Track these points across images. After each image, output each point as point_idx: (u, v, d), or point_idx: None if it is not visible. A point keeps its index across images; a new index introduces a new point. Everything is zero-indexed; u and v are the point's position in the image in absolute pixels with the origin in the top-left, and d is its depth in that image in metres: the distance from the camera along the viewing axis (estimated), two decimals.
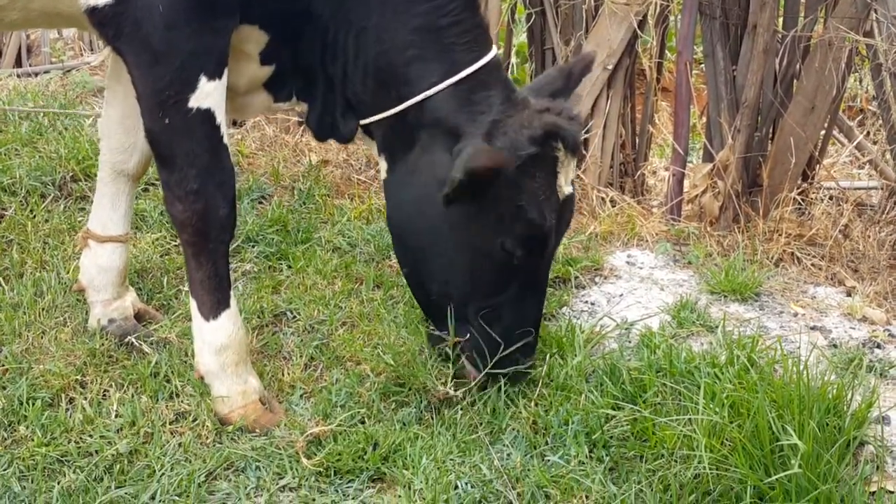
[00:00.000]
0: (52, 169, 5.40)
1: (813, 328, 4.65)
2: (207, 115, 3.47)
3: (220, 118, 3.51)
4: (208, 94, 3.45)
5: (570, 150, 3.65)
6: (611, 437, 3.64)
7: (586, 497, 3.37)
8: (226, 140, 3.56)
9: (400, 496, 3.32)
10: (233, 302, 3.70)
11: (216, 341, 3.67)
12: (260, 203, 5.57)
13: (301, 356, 4.14)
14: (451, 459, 3.53)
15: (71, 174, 5.41)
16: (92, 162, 5.42)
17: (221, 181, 3.55)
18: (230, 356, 3.69)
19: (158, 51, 3.39)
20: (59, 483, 3.27)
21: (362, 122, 3.82)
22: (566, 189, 3.70)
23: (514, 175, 3.55)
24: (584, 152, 3.79)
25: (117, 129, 4.06)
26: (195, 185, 3.48)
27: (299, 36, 3.68)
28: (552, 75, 4.05)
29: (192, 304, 3.69)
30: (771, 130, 6.06)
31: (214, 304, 3.66)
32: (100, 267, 4.16)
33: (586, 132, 6.28)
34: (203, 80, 3.42)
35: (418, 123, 3.70)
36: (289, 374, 4.03)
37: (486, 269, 3.72)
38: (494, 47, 3.82)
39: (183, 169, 3.48)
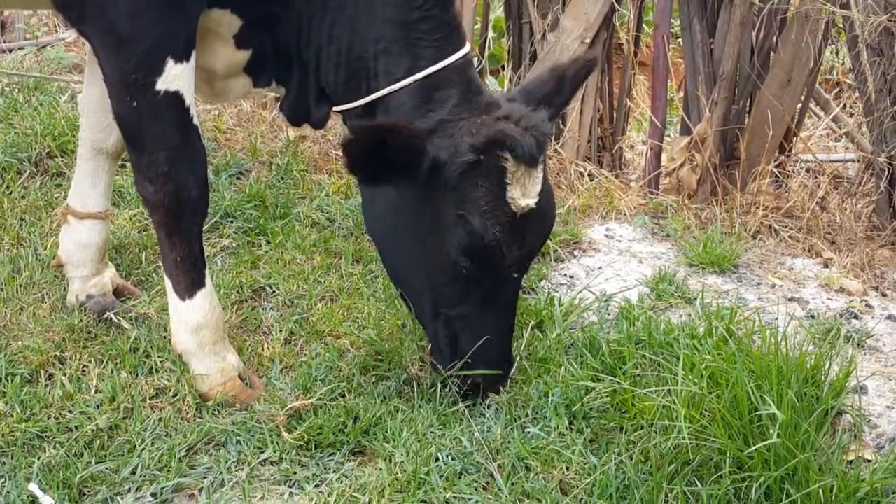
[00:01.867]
0: (28, 145, 5.36)
1: (791, 299, 4.68)
2: (176, 98, 3.43)
3: (190, 100, 3.47)
4: (176, 77, 3.40)
5: (523, 161, 3.41)
6: (591, 409, 3.66)
7: (567, 468, 3.38)
8: (196, 121, 3.53)
9: (381, 469, 3.33)
10: (208, 281, 3.69)
11: (192, 321, 3.66)
12: (238, 179, 5.55)
13: (281, 331, 4.13)
14: (431, 432, 3.53)
15: (47, 150, 5.37)
16: (68, 138, 5.39)
17: (193, 163, 3.52)
18: (207, 335, 3.68)
19: (124, 35, 3.35)
20: (38, 459, 3.26)
21: (335, 108, 3.78)
22: (522, 202, 3.45)
23: (455, 182, 3.42)
24: (541, 161, 3.53)
25: (97, 107, 4.02)
26: (165, 167, 3.46)
27: (276, 21, 3.63)
28: (543, 78, 3.82)
29: (167, 284, 3.67)
30: (748, 103, 6.08)
31: (189, 285, 3.64)
32: (79, 243, 4.14)
33: None
34: (170, 63, 3.38)
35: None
36: (268, 348, 4.02)
37: (440, 275, 3.59)
38: (467, 45, 3.68)
39: (153, 151, 3.45)
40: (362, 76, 3.62)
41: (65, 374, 3.69)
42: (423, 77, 3.55)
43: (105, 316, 4.06)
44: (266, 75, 3.79)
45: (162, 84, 3.38)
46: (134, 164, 3.53)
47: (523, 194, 3.45)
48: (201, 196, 3.57)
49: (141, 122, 3.43)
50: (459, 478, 3.32)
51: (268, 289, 4.47)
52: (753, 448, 3.18)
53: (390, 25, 3.55)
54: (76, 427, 3.44)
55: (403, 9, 3.54)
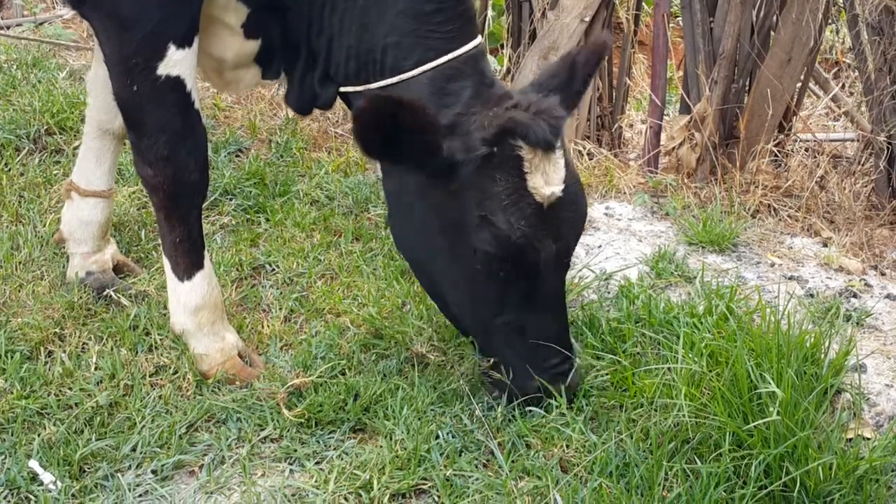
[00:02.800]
0: (27, 122, 5.33)
1: (790, 278, 4.68)
2: (177, 83, 3.41)
3: (191, 84, 3.45)
4: (178, 62, 3.38)
5: (538, 147, 3.25)
6: (591, 387, 3.66)
7: (567, 446, 3.39)
8: (197, 105, 3.51)
9: (381, 446, 3.33)
10: (207, 262, 3.68)
11: (191, 302, 3.66)
12: (237, 156, 5.54)
13: (280, 309, 4.13)
14: (431, 410, 3.54)
15: (45, 127, 5.35)
16: (67, 115, 5.38)
17: (193, 146, 3.51)
18: (206, 315, 3.68)
19: (126, 18, 3.33)
20: (39, 435, 3.26)
21: (342, 88, 3.65)
22: (547, 190, 3.29)
23: (472, 180, 3.28)
24: (559, 146, 3.35)
25: (104, 88, 3.97)
26: (165, 151, 3.44)
27: (284, 10, 3.57)
28: (555, 67, 3.67)
29: (166, 265, 3.67)
30: (748, 82, 6.06)
31: (188, 266, 3.64)
32: (81, 220, 4.13)
33: None
34: (172, 48, 3.36)
35: None
36: (268, 326, 4.02)
37: (478, 284, 3.41)
38: (479, 37, 3.56)
39: (153, 135, 3.43)
40: (371, 68, 3.54)
41: (64, 352, 3.69)
42: (434, 68, 3.43)
43: (104, 293, 4.05)
44: (275, 66, 3.73)
45: (163, 69, 3.36)
46: (134, 146, 3.52)
47: (546, 182, 3.30)
48: (201, 179, 3.57)
49: (141, 106, 3.42)
50: (460, 455, 3.33)
51: (267, 266, 4.47)
52: (753, 426, 3.18)
53: (403, 17, 3.44)
54: (76, 404, 3.44)
55: (417, 0, 3.44)
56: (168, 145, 3.44)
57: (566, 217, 3.39)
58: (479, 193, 3.29)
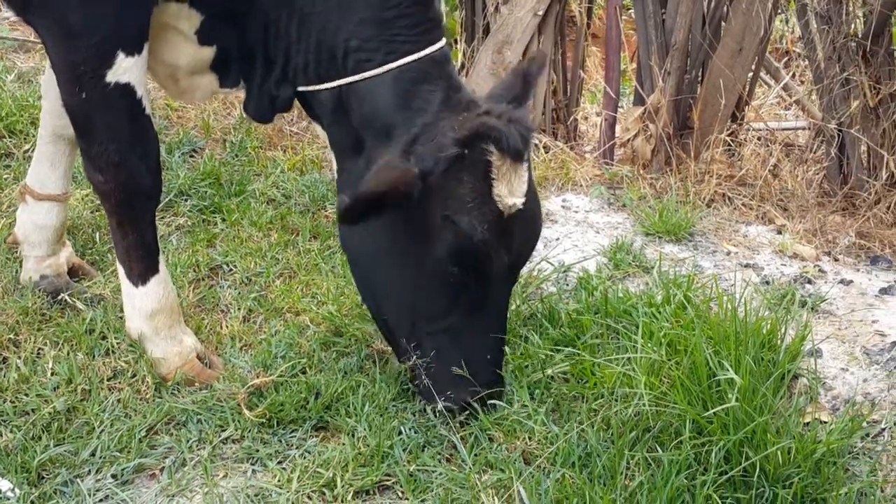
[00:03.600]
0: None
1: (746, 266, 4.73)
2: (127, 89, 3.36)
3: (141, 91, 3.40)
4: (127, 70, 3.33)
5: (509, 155, 3.24)
6: (551, 379, 3.67)
7: (529, 438, 3.40)
8: (148, 110, 3.47)
9: (344, 444, 3.33)
10: (161, 266, 3.65)
11: (147, 307, 3.63)
12: (191, 157, 5.49)
13: (239, 309, 4.11)
14: (393, 406, 3.54)
15: None
16: (15, 118, 5.30)
17: (144, 152, 3.47)
18: (162, 320, 3.65)
19: (73, 26, 3.27)
20: None
21: (300, 88, 3.59)
22: (509, 200, 3.28)
23: (440, 180, 3.24)
24: (526, 157, 3.37)
25: (58, 93, 3.94)
26: (116, 157, 3.40)
27: (240, 17, 3.51)
28: (509, 81, 3.68)
29: (120, 271, 3.63)
30: (700, 73, 6.11)
31: (143, 271, 3.60)
32: (36, 224, 4.07)
33: None
34: (121, 55, 3.31)
35: (359, 117, 3.44)
36: (227, 326, 4.00)
37: (425, 287, 3.40)
38: (444, 40, 3.51)
39: (103, 142, 3.39)
40: (332, 69, 3.47)
41: (20, 357, 3.64)
42: (398, 68, 3.39)
43: (59, 297, 4.01)
44: (233, 75, 3.66)
45: (112, 76, 3.32)
46: (84, 152, 3.47)
47: (510, 192, 3.29)
48: (154, 184, 3.53)
49: (90, 113, 3.37)
50: (423, 450, 3.34)
51: (225, 267, 4.44)
52: (712, 412, 3.20)
53: (364, 25, 3.39)
54: (33, 410, 3.40)
55: (378, 8, 3.39)
56: (119, 152, 3.40)
57: (521, 232, 3.39)
58: (444, 193, 3.26)
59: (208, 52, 3.58)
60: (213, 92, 3.77)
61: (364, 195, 3.15)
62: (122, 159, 3.41)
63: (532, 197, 3.41)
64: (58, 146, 4.04)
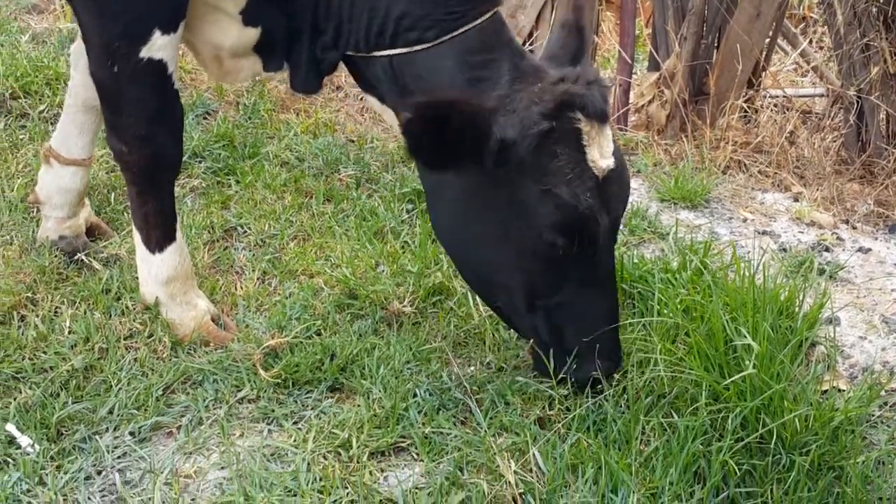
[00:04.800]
0: None
1: (762, 233, 4.71)
2: (159, 66, 3.36)
3: (172, 67, 3.40)
4: (161, 47, 3.33)
5: (594, 119, 3.17)
6: None
7: (548, 407, 3.39)
8: (176, 85, 3.46)
9: (359, 405, 3.33)
10: (178, 234, 3.65)
11: (162, 274, 3.64)
12: (205, 119, 5.47)
13: (254, 270, 4.11)
14: (408, 369, 3.54)
15: (10, 92, 5.26)
16: (31, 79, 5.29)
17: (171, 126, 3.48)
18: (178, 286, 3.66)
19: (112, 4, 3.27)
20: (14, 399, 3.24)
21: (348, 52, 3.48)
22: (603, 163, 3.20)
23: (532, 157, 3.14)
24: (609, 117, 3.29)
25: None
26: (143, 130, 3.41)
27: None
28: (561, 37, 3.56)
29: (136, 237, 3.64)
30: (717, 38, 6.06)
31: (160, 239, 3.61)
32: (60, 187, 4.06)
33: (531, 43, 6.24)
34: (157, 33, 3.30)
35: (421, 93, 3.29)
36: (242, 288, 4.00)
37: (532, 264, 3.27)
38: (499, 5, 3.39)
39: (131, 115, 3.40)
40: (384, 45, 3.39)
41: (37, 316, 3.65)
42: (454, 39, 3.29)
43: (76, 257, 4.01)
44: (277, 57, 3.60)
45: (146, 52, 3.31)
46: (108, 123, 3.47)
47: (601, 155, 3.21)
48: (177, 156, 3.54)
49: (120, 87, 3.37)
50: (438, 413, 3.33)
51: (239, 228, 4.43)
52: (729, 380, 3.20)
53: (417, 3, 3.31)
54: (51, 367, 3.41)
55: None
56: (147, 125, 3.41)
57: (615, 191, 3.29)
58: (539, 169, 3.16)
59: (253, 34, 3.53)
60: (255, 74, 3.72)
61: (430, 103, 3.01)
62: (149, 132, 3.42)
63: (618, 153, 3.34)
64: (88, 115, 4.02)
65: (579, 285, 3.31)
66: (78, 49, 3.94)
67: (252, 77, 3.79)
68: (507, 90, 3.23)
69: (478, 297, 3.74)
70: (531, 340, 3.43)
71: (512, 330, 3.66)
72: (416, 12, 3.31)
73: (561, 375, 3.35)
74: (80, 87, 3.98)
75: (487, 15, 3.33)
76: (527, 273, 3.29)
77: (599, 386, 3.36)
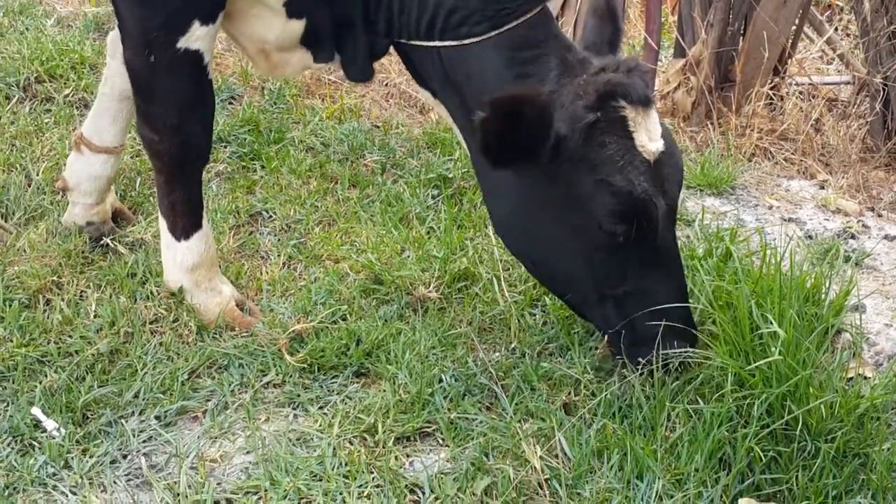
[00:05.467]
0: (16, 70, 5.25)
1: (788, 220, 4.68)
2: (196, 56, 3.38)
3: (208, 58, 3.41)
4: (200, 38, 3.35)
5: (638, 104, 3.21)
6: (592, 331, 3.66)
7: (574, 392, 3.39)
8: (211, 76, 3.48)
9: (385, 390, 3.33)
10: (205, 222, 3.66)
11: (188, 261, 3.65)
12: (230, 103, 5.48)
13: (279, 255, 4.11)
14: (434, 354, 3.54)
15: (35, 75, 5.26)
16: (56, 63, 5.31)
17: (203, 116, 3.50)
18: (203, 273, 3.67)
19: None
20: (40, 383, 3.25)
21: (401, 40, 3.50)
22: (652, 146, 3.23)
23: (582, 149, 3.18)
24: (653, 100, 3.33)
25: None
26: (175, 120, 3.43)
27: None
28: (596, 24, 3.59)
29: (162, 224, 3.65)
30: (743, 25, 6.02)
31: (186, 227, 3.62)
32: (90, 174, 4.06)
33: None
34: (196, 24, 3.31)
35: (471, 89, 3.36)
36: (267, 273, 4.01)
37: (596, 254, 3.30)
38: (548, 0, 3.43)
39: (164, 104, 3.41)
40: (436, 34, 3.40)
41: (63, 300, 3.67)
42: (501, 35, 3.31)
43: (101, 241, 4.03)
44: (327, 49, 3.60)
45: (184, 42, 3.33)
46: (140, 111, 3.49)
47: (650, 138, 3.24)
48: (207, 145, 3.57)
49: (155, 76, 3.39)
50: (463, 398, 3.34)
51: (264, 213, 4.44)
52: (755, 366, 3.19)
53: None
54: (77, 352, 3.43)
55: None
56: (179, 115, 3.43)
57: (668, 173, 3.30)
58: (590, 161, 3.20)
59: (298, 27, 3.53)
60: (305, 67, 3.73)
61: (503, 99, 3.05)
62: (181, 122, 3.43)
63: (667, 134, 3.36)
64: (122, 104, 4.02)
65: (646, 270, 3.33)
66: (115, 38, 3.93)
67: (302, 70, 3.79)
68: (555, 85, 3.26)
69: (550, 293, 3.73)
70: (606, 335, 3.44)
71: (584, 320, 3.65)
72: (466, 8, 3.32)
73: (643, 361, 3.34)
74: (116, 77, 3.97)
75: (536, 10, 3.34)
76: (592, 264, 3.32)
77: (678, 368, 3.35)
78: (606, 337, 3.46)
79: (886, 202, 5.11)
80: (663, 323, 3.28)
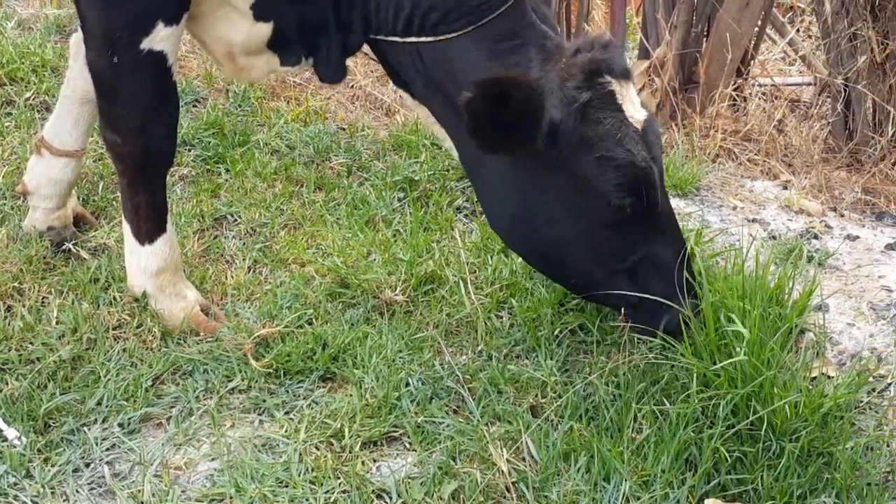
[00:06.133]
0: None
1: (752, 221, 4.70)
2: (159, 57, 3.35)
3: (172, 59, 3.39)
4: (163, 38, 3.32)
5: (620, 77, 3.31)
6: (559, 333, 3.66)
7: (541, 395, 3.39)
8: (175, 78, 3.45)
9: (351, 395, 3.32)
10: (169, 226, 3.63)
11: (153, 266, 3.61)
12: (194, 106, 5.44)
13: (244, 259, 4.09)
14: (401, 358, 3.53)
15: None
16: (17, 66, 5.24)
17: (166, 118, 3.47)
18: (167, 278, 3.64)
19: None
20: (1, 391, 3.22)
21: (378, 37, 3.49)
22: (639, 115, 3.34)
23: (578, 130, 3.24)
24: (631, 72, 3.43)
25: None
26: (139, 122, 3.40)
27: None
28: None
29: (126, 228, 3.61)
30: (706, 27, 6.06)
31: (150, 230, 3.59)
32: (51, 178, 4.01)
33: None
34: (160, 25, 3.29)
35: (452, 85, 3.36)
36: (232, 277, 3.98)
37: (609, 234, 3.36)
38: None
39: (127, 106, 3.38)
40: (414, 30, 3.41)
41: (24, 306, 3.62)
42: (485, 26, 3.34)
43: (63, 247, 3.98)
44: (294, 53, 3.59)
45: (147, 44, 3.30)
46: (103, 113, 3.46)
47: (635, 108, 3.34)
48: (171, 149, 3.54)
49: (118, 77, 3.35)
50: (430, 402, 3.33)
51: (229, 217, 4.40)
52: (720, 366, 3.20)
53: None
54: (38, 359, 3.39)
55: None
56: (143, 117, 3.40)
57: (652, 140, 3.39)
58: (588, 140, 3.26)
59: (265, 29, 3.51)
60: (271, 70, 3.70)
61: (489, 81, 3.10)
62: (145, 124, 3.41)
63: (643, 103, 3.46)
64: (84, 107, 3.97)
65: (651, 237, 3.40)
66: (78, 40, 3.89)
67: (268, 74, 3.76)
68: (539, 72, 3.31)
69: (555, 283, 3.77)
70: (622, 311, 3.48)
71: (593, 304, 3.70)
72: (443, 6, 3.33)
73: (661, 327, 3.40)
74: (78, 79, 3.93)
75: (511, 1, 3.36)
76: (602, 242, 3.37)
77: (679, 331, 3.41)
78: (623, 312, 3.49)
79: (848, 202, 5.16)
80: (671, 284, 3.36)
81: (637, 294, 3.37)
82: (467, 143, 3.30)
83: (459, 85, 3.30)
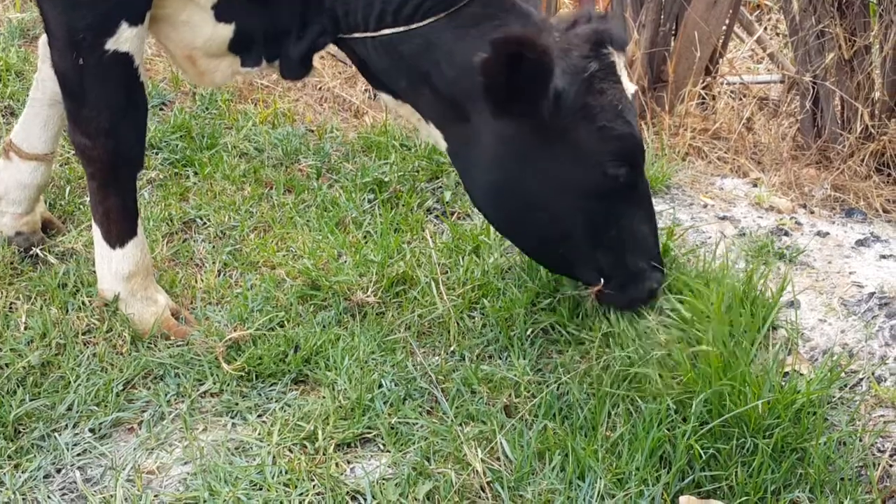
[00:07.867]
0: None
1: (722, 218, 4.71)
2: (125, 58, 3.32)
3: (138, 60, 3.36)
4: (128, 39, 3.29)
5: (618, 48, 3.35)
6: (532, 332, 3.66)
7: (514, 394, 3.39)
8: (142, 79, 3.42)
9: (324, 397, 3.30)
10: (139, 229, 3.60)
11: (124, 269, 3.58)
12: (161, 109, 5.40)
13: (214, 263, 4.06)
14: (373, 359, 3.51)
15: None
16: None
17: (135, 119, 3.44)
18: (138, 282, 3.61)
19: None
20: None
21: (351, 35, 3.48)
22: (631, 88, 3.39)
23: (582, 99, 3.27)
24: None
25: None
26: (107, 124, 3.36)
27: None
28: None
29: (96, 232, 3.58)
30: (674, 25, 6.07)
31: (121, 234, 3.56)
32: (19, 182, 3.97)
33: None
34: (124, 25, 3.26)
35: (444, 79, 3.38)
36: (202, 281, 3.95)
37: (600, 204, 3.40)
38: None
39: (94, 108, 3.35)
40: (386, 20, 3.40)
41: None
42: (461, 12, 3.34)
43: (31, 252, 3.94)
44: (255, 54, 3.57)
45: (112, 44, 3.27)
46: (71, 116, 3.42)
47: (628, 81, 3.40)
48: (141, 151, 3.51)
49: (84, 79, 3.32)
50: (404, 403, 3.32)
51: (198, 220, 4.37)
52: (693, 364, 3.21)
53: None
54: (7, 365, 3.36)
55: None
56: (110, 119, 3.36)
57: (633, 112, 3.44)
58: (591, 109, 3.29)
59: (226, 31, 3.49)
60: (234, 73, 3.67)
61: (504, 40, 3.12)
62: (113, 126, 3.37)
63: None
64: (53, 110, 3.93)
65: (634, 206, 3.46)
66: (47, 43, 3.86)
67: (232, 76, 3.72)
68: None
69: (536, 262, 3.81)
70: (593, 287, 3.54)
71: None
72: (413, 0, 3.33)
73: (636, 297, 3.51)
74: (48, 81, 3.89)
75: None
76: (593, 212, 3.41)
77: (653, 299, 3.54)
78: (594, 288, 3.53)
79: (818, 199, 5.18)
80: (647, 254, 3.48)
81: (615, 267, 3.46)
82: (454, 127, 3.37)
83: (448, 71, 3.34)
